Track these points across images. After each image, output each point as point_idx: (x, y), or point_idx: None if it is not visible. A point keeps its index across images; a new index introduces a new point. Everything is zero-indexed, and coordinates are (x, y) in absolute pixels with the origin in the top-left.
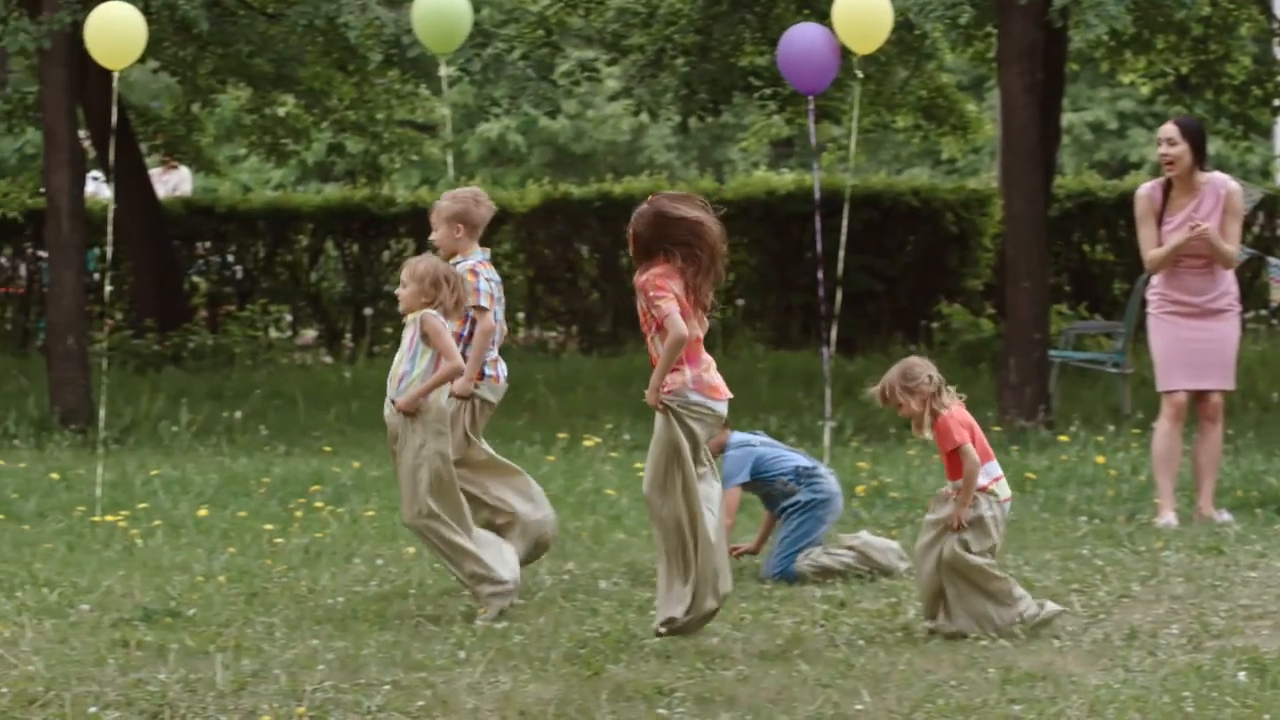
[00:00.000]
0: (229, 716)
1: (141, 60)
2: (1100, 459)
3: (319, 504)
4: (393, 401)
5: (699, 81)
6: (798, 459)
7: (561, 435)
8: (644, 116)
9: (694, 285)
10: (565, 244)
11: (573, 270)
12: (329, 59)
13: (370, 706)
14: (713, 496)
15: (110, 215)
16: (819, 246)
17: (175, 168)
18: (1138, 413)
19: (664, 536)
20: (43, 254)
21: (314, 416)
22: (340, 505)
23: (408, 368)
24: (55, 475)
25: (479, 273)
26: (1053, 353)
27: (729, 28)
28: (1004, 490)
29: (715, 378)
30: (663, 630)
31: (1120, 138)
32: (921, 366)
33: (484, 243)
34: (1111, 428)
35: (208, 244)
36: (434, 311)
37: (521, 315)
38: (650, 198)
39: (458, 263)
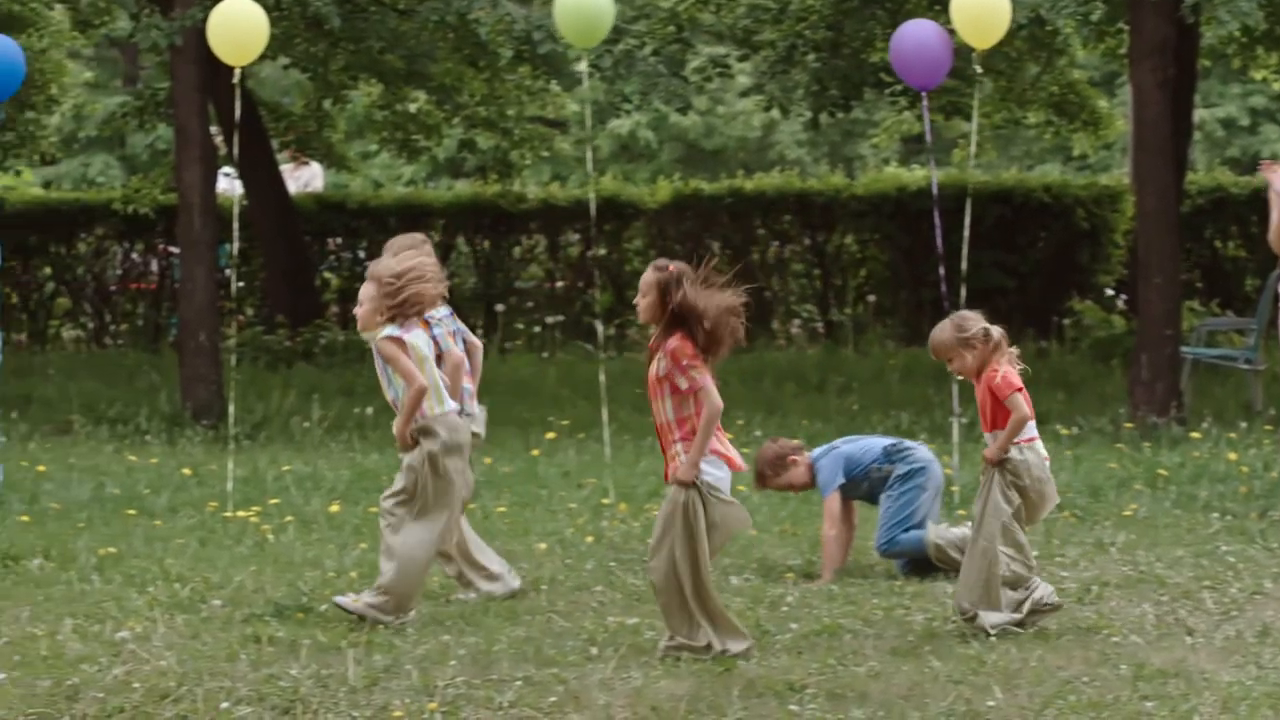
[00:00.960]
0: (361, 712)
1: (273, 56)
2: (1232, 455)
3: None
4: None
5: (830, 78)
6: (882, 440)
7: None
8: (775, 113)
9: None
10: (696, 240)
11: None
12: (460, 55)
13: (502, 702)
14: None
15: (235, 210)
16: (939, 243)
17: (306, 164)
18: (1270, 409)
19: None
20: (174, 250)
21: None
22: (472, 501)
23: (393, 395)
24: (187, 471)
25: (429, 323)
26: (1184, 349)
27: (860, 23)
28: (1040, 450)
29: (730, 449)
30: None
31: (1252, 134)
32: (974, 320)
33: (614, 238)
34: (1243, 424)
35: (339, 240)
36: (389, 331)
37: None
38: (672, 266)
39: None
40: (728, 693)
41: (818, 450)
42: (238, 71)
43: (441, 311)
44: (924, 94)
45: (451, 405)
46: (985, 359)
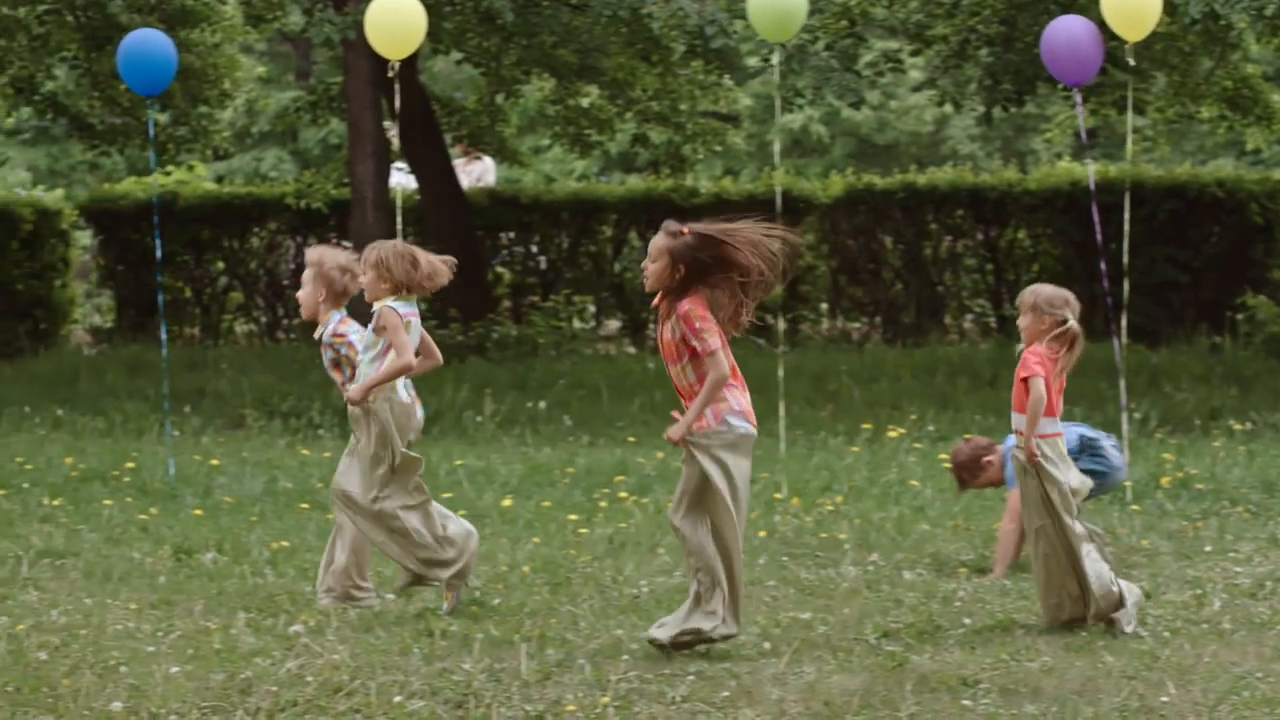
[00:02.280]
0: (534, 706)
1: (446, 51)
2: None
3: (623, 494)
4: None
5: (1003, 72)
6: (1081, 429)
7: (865, 426)
8: (947, 107)
9: (733, 311)
10: (869, 235)
11: (876, 261)
12: (632, 50)
13: (674, 697)
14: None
15: (398, 203)
16: (1099, 237)
17: (479, 158)
18: None
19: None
20: (347, 244)
21: (618, 407)
22: (644, 495)
23: (361, 356)
24: None
25: (345, 334)
26: None
27: (1033, 17)
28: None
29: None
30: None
31: None
32: (1064, 304)
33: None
34: None
35: (511, 235)
36: (394, 303)
37: (825, 306)
38: (685, 229)
39: (324, 331)
40: (900, 688)
41: (1011, 440)
42: (396, 64)
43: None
44: (1076, 90)
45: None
46: (1038, 334)
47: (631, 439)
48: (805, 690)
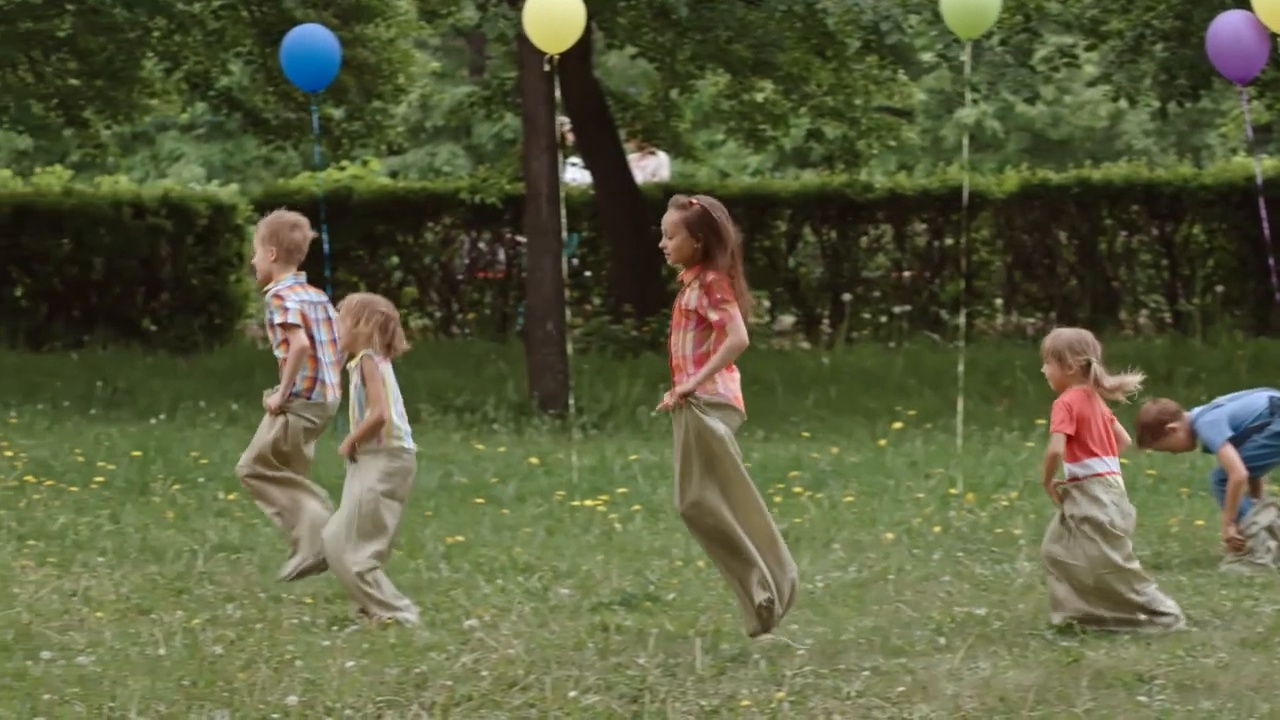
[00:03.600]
0: (708, 701)
1: (620, 46)
2: None
3: (798, 489)
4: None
5: (1178, 67)
6: (1267, 392)
7: (1039, 421)
8: (1122, 102)
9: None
10: (1043, 230)
11: (1051, 257)
12: (807, 45)
13: (849, 692)
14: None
15: (560, 196)
16: (1265, 232)
17: (653, 153)
18: None
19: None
20: (522, 239)
21: (792, 402)
22: (819, 490)
23: (358, 414)
24: (534, 460)
25: (284, 296)
26: None
27: (1208, 12)
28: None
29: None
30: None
31: None
32: (1084, 347)
33: (961, 227)
34: None
35: None
36: (372, 352)
37: (999, 301)
38: (694, 201)
39: (270, 289)
40: (1076, 683)
41: (1197, 410)
42: (552, 59)
43: (316, 297)
44: (1242, 86)
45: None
46: (1066, 383)
47: (806, 434)
48: (980, 686)
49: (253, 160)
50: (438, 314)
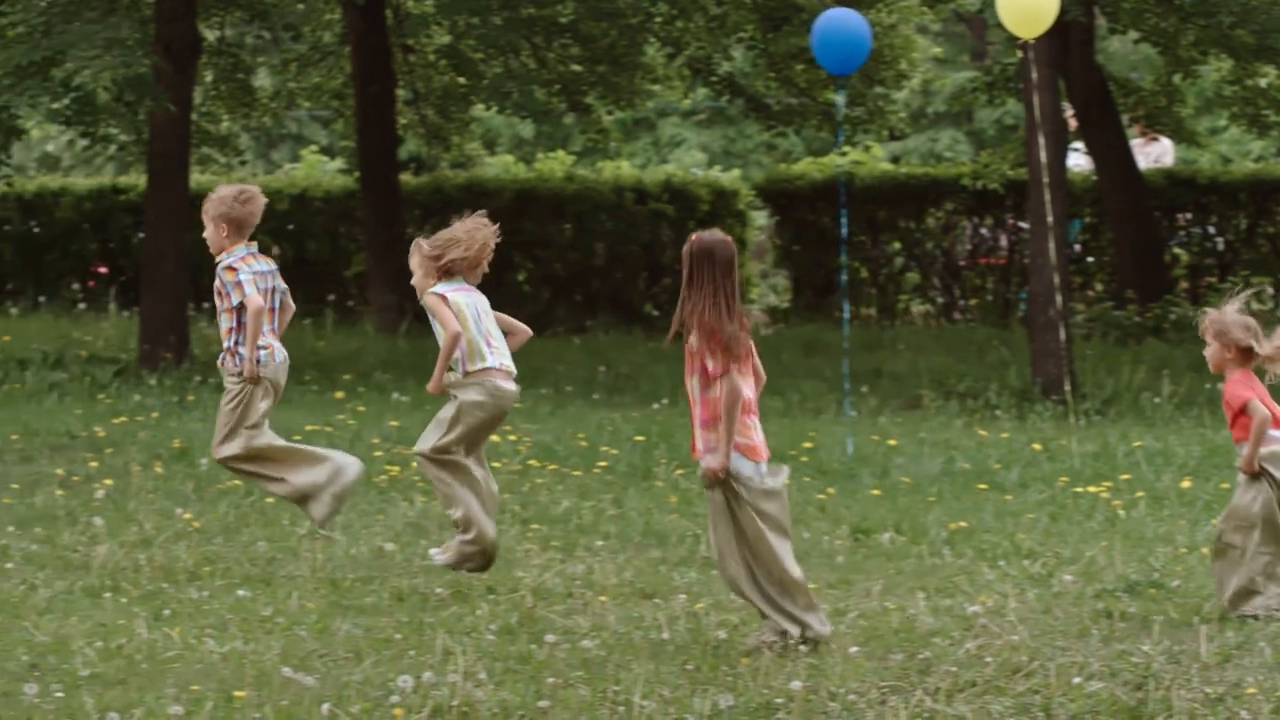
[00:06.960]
0: (1214, 689)
1: (1122, 30)
2: None
3: None
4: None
5: None
6: None
7: None
8: None
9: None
10: None
11: None
12: None
13: None
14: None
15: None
16: None
17: (1156, 139)
18: None
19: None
20: (1023, 225)
21: None
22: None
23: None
24: (1037, 446)
25: (237, 268)
26: None
27: None
28: None
29: (754, 436)
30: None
31: None
32: (1246, 329)
33: None
34: None
35: (1188, 215)
36: (436, 289)
37: None
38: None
39: (222, 260)
40: None
41: None
42: (1030, 43)
43: (265, 267)
44: None
45: (492, 362)
46: (1225, 363)
47: None
48: None
49: (755, 146)
50: (939, 300)
